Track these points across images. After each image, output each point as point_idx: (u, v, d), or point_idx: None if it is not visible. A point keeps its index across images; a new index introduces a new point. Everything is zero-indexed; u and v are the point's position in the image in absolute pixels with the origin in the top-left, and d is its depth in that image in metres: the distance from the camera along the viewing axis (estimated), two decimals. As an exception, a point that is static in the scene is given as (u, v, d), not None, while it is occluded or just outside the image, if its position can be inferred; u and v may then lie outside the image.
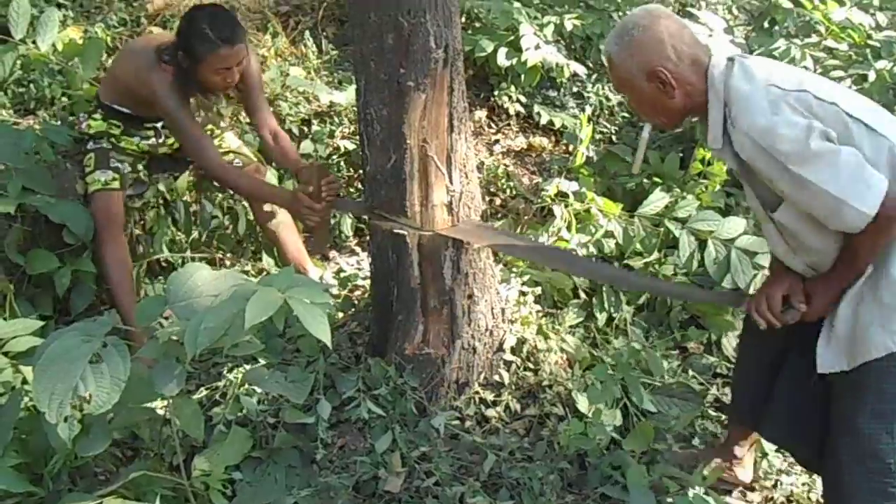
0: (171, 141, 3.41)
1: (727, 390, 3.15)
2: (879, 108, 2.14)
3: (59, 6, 4.41)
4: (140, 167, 3.41)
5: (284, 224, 3.61)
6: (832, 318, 2.17)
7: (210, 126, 3.52)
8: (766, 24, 4.57)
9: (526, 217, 4.04)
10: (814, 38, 4.35)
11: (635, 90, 2.19)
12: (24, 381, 2.38)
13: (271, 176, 3.77)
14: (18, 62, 3.80)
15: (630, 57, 2.14)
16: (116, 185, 3.27)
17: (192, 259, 3.64)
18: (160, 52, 3.11)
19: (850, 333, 2.12)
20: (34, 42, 3.77)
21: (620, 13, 5.35)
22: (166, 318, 2.26)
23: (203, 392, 2.91)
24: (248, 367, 2.88)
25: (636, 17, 2.17)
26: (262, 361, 2.88)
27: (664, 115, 2.22)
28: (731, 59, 2.13)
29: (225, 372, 2.96)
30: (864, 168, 1.94)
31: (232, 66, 3.07)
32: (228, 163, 3.49)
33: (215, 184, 3.57)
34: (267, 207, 3.56)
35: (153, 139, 3.40)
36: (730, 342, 3.41)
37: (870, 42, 4.26)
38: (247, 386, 2.81)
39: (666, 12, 2.18)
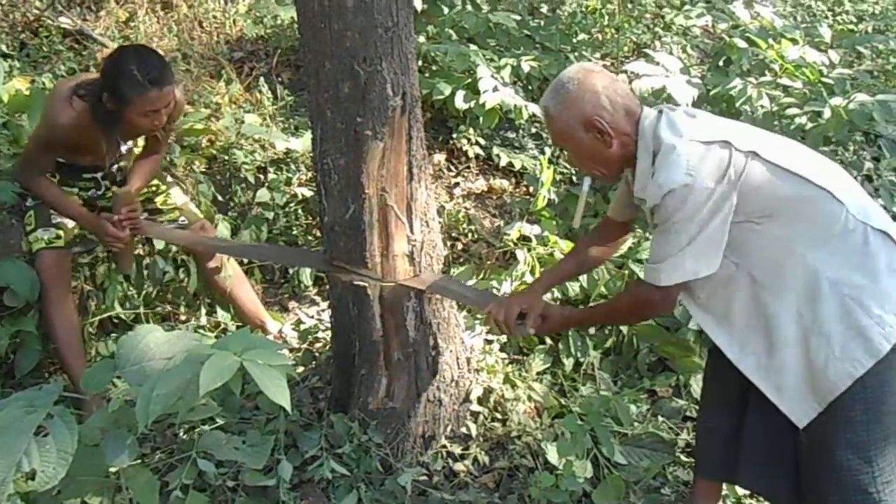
0: (111, 194, 3.29)
1: (698, 434, 3.11)
2: (807, 152, 2.22)
3: (5, 56, 4.30)
4: None
5: (235, 278, 3.51)
6: (770, 374, 2.18)
7: (156, 181, 3.42)
8: (721, 64, 4.61)
9: (489, 262, 3.98)
10: (768, 77, 4.38)
11: (573, 141, 2.26)
12: (-34, 454, 2.24)
13: (223, 230, 3.67)
14: (-38, 115, 3.68)
15: (566, 109, 2.23)
16: (60, 242, 3.14)
17: (146, 315, 3.52)
18: (78, 87, 3.00)
19: (807, 378, 2.13)
20: (-22, 96, 3.66)
21: (576, 54, 5.39)
22: (117, 377, 2.16)
23: (158, 455, 2.79)
24: (205, 427, 2.77)
25: (570, 72, 2.27)
26: (220, 421, 2.77)
27: (603, 166, 2.29)
28: (660, 111, 2.21)
29: (181, 434, 2.84)
30: (706, 251, 2.10)
31: (160, 109, 2.98)
32: (172, 220, 3.40)
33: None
34: (212, 263, 3.46)
35: (92, 190, 3.28)
36: (698, 384, 3.36)
37: (823, 80, 4.31)
38: (204, 448, 2.69)
39: (597, 67, 2.29)
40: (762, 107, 4.21)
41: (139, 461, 2.18)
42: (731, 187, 2.05)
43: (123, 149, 3.24)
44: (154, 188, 3.42)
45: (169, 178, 3.52)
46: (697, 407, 3.26)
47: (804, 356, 2.11)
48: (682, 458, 3.03)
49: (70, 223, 3.19)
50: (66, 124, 2.98)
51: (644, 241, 3.67)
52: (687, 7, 6.38)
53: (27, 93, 3.83)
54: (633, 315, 2.51)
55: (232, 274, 3.49)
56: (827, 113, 4.07)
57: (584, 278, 3.54)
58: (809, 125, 4.18)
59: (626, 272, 3.55)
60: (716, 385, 2.52)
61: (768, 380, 2.18)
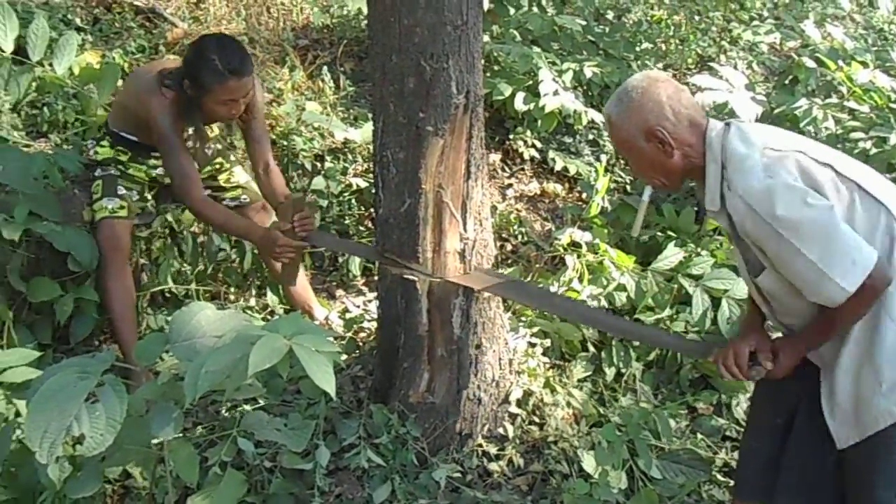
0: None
1: (736, 455, 3.07)
2: (876, 174, 2.14)
3: (79, 30, 4.40)
4: (148, 196, 3.36)
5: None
6: (830, 389, 2.14)
7: (220, 159, 3.48)
8: (787, 82, 4.54)
9: (537, 265, 3.98)
10: (835, 99, 4.31)
11: (634, 150, 2.22)
12: (18, 414, 2.31)
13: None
14: (34, 84, 3.77)
15: (629, 117, 2.19)
16: (123, 213, 3.21)
17: (197, 292, 3.58)
18: (163, 76, 3.06)
19: (854, 405, 2.09)
20: (51, 65, 3.75)
21: (639, 63, 5.36)
22: (166, 352, 2.20)
23: (199, 430, 2.84)
24: (247, 407, 2.82)
25: (635, 80, 2.23)
26: (262, 402, 2.81)
27: (663, 175, 2.24)
28: (727, 124, 2.16)
29: (223, 411, 2.89)
30: (852, 242, 1.95)
31: (238, 98, 3.02)
32: (234, 198, 3.45)
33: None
34: None
35: (161, 168, 3.33)
36: (740, 405, 3.33)
37: (892, 105, 4.23)
38: (245, 427, 2.74)
39: (664, 76, 2.24)
40: (827, 129, 4.14)
41: (182, 435, 2.22)
42: (814, 184, 1.98)
43: (191, 131, 3.29)
44: (218, 165, 3.48)
45: (232, 158, 3.57)
46: (737, 427, 3.24)
47: (855, 385, 2.08)
48: (719, 477, 3.00)
49: (134, 195, 3.26)
50: (165, 114, 3.03)
51: (695, 255, 3.63)
52: (756, 23, 6.32)
53: (97, 67, 3.92)
54: (860, 316, 2.12)
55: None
56: (893, 139, 4.00)
57: (631, 288, 3.53)
58: (874, 150, 4.10)
59: (675, 285, 3.52)
60: (763, 406, 2.48)
61: (827, 396, 2.15)
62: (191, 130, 3.21)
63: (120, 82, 3.84)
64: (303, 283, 3.62)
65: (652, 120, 2.15)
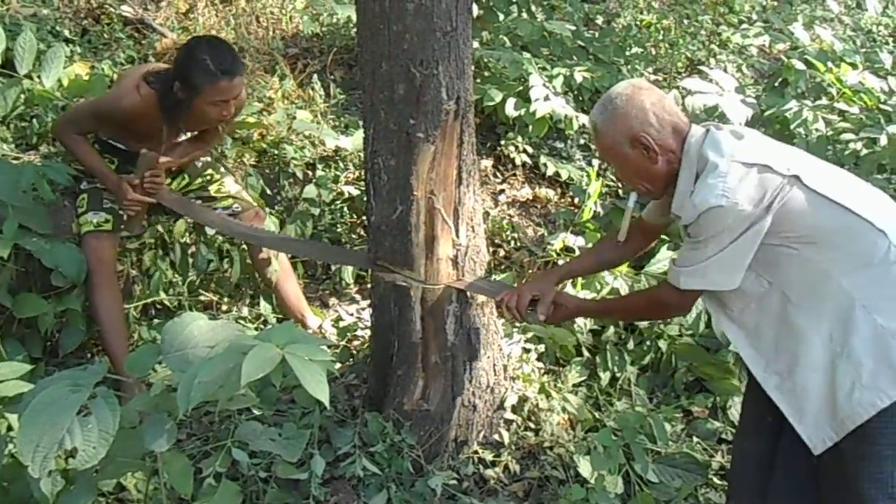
0: (167, 181, 3.33)
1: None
2: (852, 180, 2.21)
3: (67, 42, 4.38)
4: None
5: (282, 271, 3.54)
6: (792, 396, 2.16)
7: (210, 171, 3.47)
8: (777, 84, 4.55)
9: (530, 270, 3.97)
10: (825, 101, 4.32)
11: (619, 156, 2.28)
12: (10, 428, 2.29)
13: (270, 224, 3.70)
14: (22, 97, 3.75)
15: (614, 125, 2.24)
16: (108, 226, 3.19)
17: (189, 302, 3.57)
18: (148, 74, 3.06)
19: (829, 404, 2.10)
20: (39, 77, 3.73)
21: (629, 67, 5.36)
22: (159, 363, 2.19)
23: (193, 441, 2.82)
24: (241, 417, 2.80)
25: (619, 88, 2.29)
26: (256, 412, 2.80)
27: (648, 181, 2.30)
28: (707, 130, 2.22)
29: (217, 422, 2.87)
30: (730, 265, 2.12)
31: (229, 99, 3.02)
32: (227, 207, 3.44)
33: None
34: (263, 254, 3.49)
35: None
36: (735, 407, 3.32)
37: (881, 106, 4.24)
38: (239, 438, 2.72)
39: (647, 84, 2.30)
40: (817, 130, 4.15)
41: (176, 447, 2.21)
42: (765, 211, 2.06)
43: (182, 138, 3.28)
44: (209, 177, 3.46)
45: (222, 169, 3.56)
46: (732, 429, 3.24)
47: (829, 381, 2.09)
48: (715, 480, 2.99)
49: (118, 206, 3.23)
50: (126, 106, 3.05)
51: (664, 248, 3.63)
52: (744, 26, 6.34)
53: (87, 78, 3.91)
54: (648, 312, 2.57)
55: (279, 268, 3.52)
56: (883, 140, 4.00)
57: (625, 292, 3.51)
58: (864, 151, 4.11)
59: (643, 279, 3.52)
60: (752, 407, 2.49)
61: (790, 401, 2.16)
62: (164, 132, 3.20)
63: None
64: (296, 293, 3.61)
65: (636, 127, 2.21)
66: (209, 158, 3.49)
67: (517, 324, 2.78)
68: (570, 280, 3.54)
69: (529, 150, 4.77)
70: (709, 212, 2.07)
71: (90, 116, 3.18)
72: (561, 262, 3.64)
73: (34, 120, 3.76)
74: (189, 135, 3.33)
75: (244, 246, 3.65)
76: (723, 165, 2.09)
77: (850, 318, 2.05)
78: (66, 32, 4.52)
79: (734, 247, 2.09)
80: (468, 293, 2.78)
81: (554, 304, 2.53)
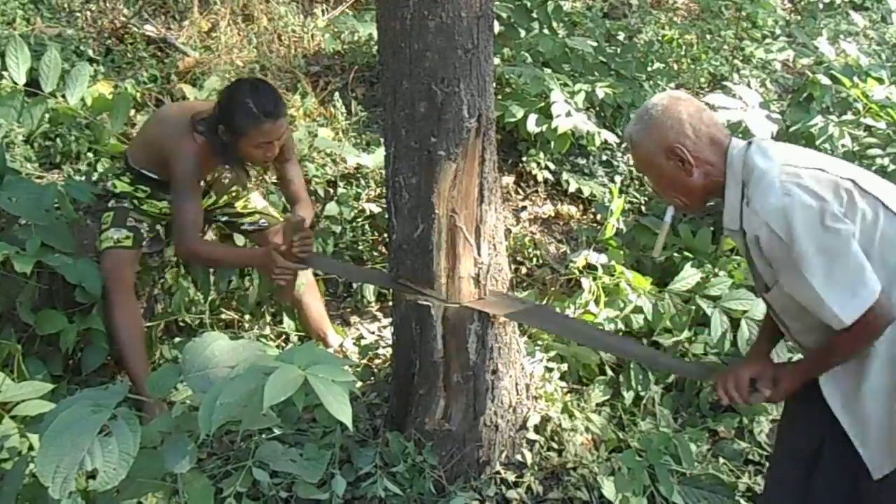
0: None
1: (759, 479, 3.02)
2: None
3: (91, 61, 4.41)
4: (159, 227, 3.34)
5: (308, 287, 3.53)
6: (857, 415, 2.08)
7: (236, 187, 3.47)
8: (802, 100, 4.50)
9: (552, 288, 3.95)
10: (851, 116, 4.27)
11: (655, 168, 2.21)
12: (31, 448, 2.29)
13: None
14: (47, 115, 3.78)
15: (649, 136, 2.18)
16: (128, 243, 3.20)
17: (210, 321, 3.56)
18: (196, 121, 3.05)
19: (888, 429, 2.04)
20: (63, 96, 3.76)
21: (651, 83, 5.33)
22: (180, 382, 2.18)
23: (214, 461, 2.81)
24: (262, 436, 2.79)
25: (656, 98, 2.23)
26: (277, 431, 2.79)
27: (684, 195, 2.22)
28: (749, 142, 2.14)
29: (238, 442, 2.86)
30: (858, 274, 1.93)
31: (273, 140, 3.00)
32: (253, 223, 3.44)
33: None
34: None
35: None
36: (762, 428, 3.27)
37: (909, 122, 4.18)
38: (260, 457, 2.71)
39: (685, 95, 2.23)
40: (843, 146, 4.10)
41: (196, 466, 2.20)
42: (835, 202, 1.95)
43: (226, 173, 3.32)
44: (234, 193, 3.47)
45: (248, 185, 3.57)
46: (760, 450, 3.19)
47: (888, 409, 2.03)
48: (742, 502, 2.94)
49: (144, 227, 3.25)
50: (196, 159, 3.03)
51: (713, 276, 3.59)
52: (768, 40, 6.29)
53: (109, 97, 3.93)
54: (860, 350, 2.11)
55: (305, 282, 3.52)
56: (910, 155, 3.95)
57: (648, 310, 3.48)
58: (892, 167, 4.05)
59: (693, 307, 3.48)
60: (789, 434, 2.44)
61: (854, 422, 2.09)
62: (226, 171, 3.23)
63: (133, 112, 3.85)
64: (319, 310, 3.61)
65: (672, 137, 2.14)
66: (234, 175, 3.49)
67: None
68: (594, 298, 3.53)
69: (551, 166, 4.75)
70: (780, 215, 1.95)
71: (190, 197, 3.06)
72: (583, 280, 3.59)
73: (58, 139, 3.79)
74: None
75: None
76: (775, 170, 2.01)
77: None
78: (90, 52, 4.56)
79: (836, 238, 1.94)
80: (490, 312, 2.74)
81: (773, 379, 2.28)
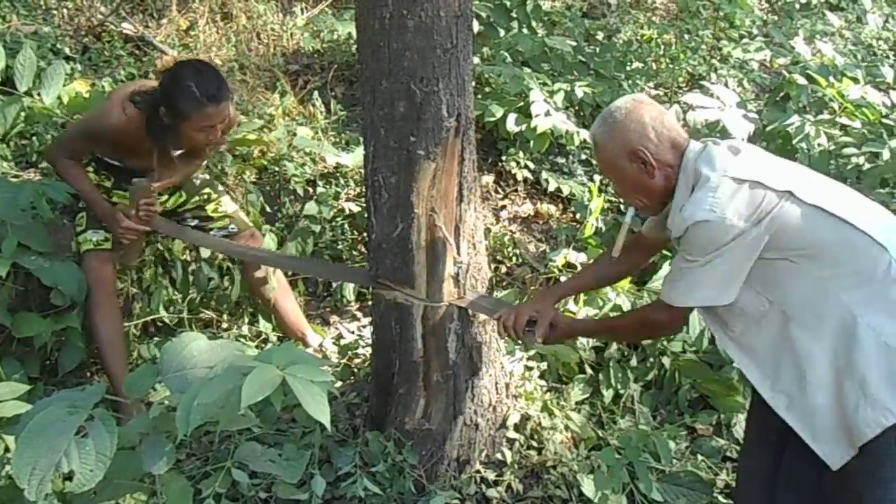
0: (163, 198, 3.32)
1: (737, 475, 3.04)
2: (853, 195, 2.19)
3: (68, 59, 4.37)
4: None
5: (280, 289, 3.52)
6: (803, 415, 2.13)
7: (207, 189, 3.45)
8: (778, 99, 4.54)
9: (532, 287, 3.95)
10: (827, 115, 4.31)
11: (617, 170, 2.28)
12: (7, 449, 2.27)
13: (269, 241, 3.69)
14: (22, 115, 3.74)
15: (613, 138, 2.25)
16: (108, 245, 3.18)
17: (189, 320, 3.55)
18: (135, 94, 3.03)
19: (840, 420, 2.07)
20: (39, 95, 3.73)
21: (630, 82, 5.36)
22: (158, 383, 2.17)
23: (193, 462, 2.80)
24: (241, 437, 2.78)
25: (619, 102, 2.30)
26: (256, 431, 2.78)
27: (645, 196, 2.30)
28: (705, 145, 2.21)
29: (217, 441, 2.85)
30: (713, 280, 2.12)
31: (216, 124, 2.99)
32: (223, 227, 3.44)
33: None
34: (259, 273, 3.47)
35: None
36: (740, 424, 3.30)
37: (884, 120, 4.23)
38: (239, 458, 2.70)
39: (648, 99, 2.31)
40: (819, 145, 4.14)
41: (175, 467, 2.19)
42: (756, 226, 2.05)
43: (174, 154, 3.26)
44: (206, 196, 3.44)
45: (220, 188, 3.54)
46: (737, 447, 3.21)
47: (836, 398, 2.06)
48: (720, 498, 2.96)
49: None
50: (111, 125, 3.02)
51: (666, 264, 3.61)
52: (745, 40, 6.33)
53: (87, 95, 3.90)
54: (639, 331, 2.60)
55: (276, 286, 3.51)
56: (886, 154, 3.99)
57: (627, 308, 3.49)
58: (867, 166, 4.10)
59: (646, 295, 3.50)
60: (756, 425, 2.47)
61: (802, 420, 2.14)
62: (156, 152, 3.16)
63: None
64: (294, 311, 3.60)
65: (635, 141, 2.21)
66: (207, 176, 3.47)
67: (517, 343, 2.76)
68: (574, 296, 3.53)
69: (531, 165, 4.76)
70: (696, 226, 2.08)
71: (79, 138, 3.16)
72: (563, 278, 3.61)
73: (34, 138, 3.76)
74: (180, 152, 3.31)
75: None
76: (714, 180, 2.09)
77: (854, 336, 2.03)
78: (67, 50, 4.52)
79: (723, 260, 2.09)
80: (469, 311, 2.76)
81: (551, 324, 2.53)
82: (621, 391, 3.37)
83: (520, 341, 2.61)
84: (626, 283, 3.55)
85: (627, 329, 2.56)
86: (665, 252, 3.87)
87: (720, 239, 2.06)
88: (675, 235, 2.19)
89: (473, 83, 2.74)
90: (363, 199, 3.75)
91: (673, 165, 2.22)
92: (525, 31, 5.12)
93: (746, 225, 2.04)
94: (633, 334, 2.56)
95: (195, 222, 3.40)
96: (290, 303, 3.59)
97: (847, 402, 2.04)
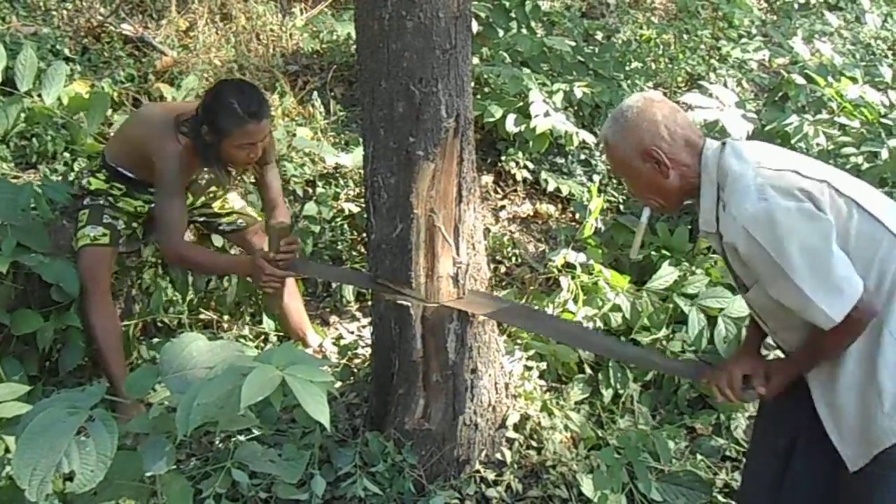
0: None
1: (736, 475, 3.05)
2: (874, 191, 2.13)
3: (68, 60, 4.38)
4: (135, 225, 3.33)
5: (289, 291, 3.52)
6: (834, 409, 2.10)
7: (214, 187, 3.46)
8: (777, 99, 4.55)
9: (531, 287, 3.96)
10: (825, 115, 4.32)
11: (631, 170, 2.21)
12: (7, 450, 2.27)
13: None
14: (22, 115, 3.75)
15: (625, 138, 2.17)
16: (105, 240, 3.17)
17: (189, 321, 3.55)
18: (179, 122, 3.03)
19: (861, 424, 2.06)
20: (39, 95, 3.73)
21: (629, 82, 5.36)
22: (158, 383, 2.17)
23: (193, 462, 2.80)
24: (241, 437, 2.78)
25: (631, 100, 2.22)
26: (256, 432, 2.78)
27: (660, 196, 2.22)
28: (723, 143, 2.14)
29: (217, 442, 2.85)
30: (842, 270, 1.95)
31: (256, 142, 3.00)
32: (230, 223, 3.44)
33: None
34: None
35: (153, 204, 3.27)
36: (739, 425, 3.30)
37: (882, 120, 4.23)
38: (239, 458, 2.70)
39: (660, 97, 2.23)
40: (818, 145, 4.15)
41: (175, 467, 2.19)
42: (810, 203, 1.96)
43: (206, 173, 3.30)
44: (212, 193, 3.46)
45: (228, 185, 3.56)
46: (737, 447, 3.22)
47: (862, 401, 2.05)
48: (720, 498, 2.96)
49: (120, 224, 3.23)
50: (180, 160, 3.02)
51: (690, 274, 3.61)
52: (744, 40, 6.34)
53: (86, 96, 3.91)
54: (847, 345, 2.11)
55: (294, 286, 3.52)
56: (884, 154, 4.00)
57: (626, 308, 3.50)
58: (866, 165, 4.10)
59: (671, 305, 3.50)
60: (765, 427, 2.46)
61: (830, 416, 2.11)
62: (205, 172, 3.20)
63: (110, 111, 3.82)
64: (298, 310, 3.60)
65: (647, 140, 2.13)
66: (212, 175, 3.48)
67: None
68: (573, 297, 3.54)
69: (530, 165, 4.77)
70: (756, 220, 1.96)
71: (176, 198, 3.07)
72: (562, 278, 3.61)
73: (34, 139, 3.76)
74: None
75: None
76: (749, 172, 2.02)
77: (878, 342, 2.01)
78: (67, 51, 4.53)
79: (822, 234, 1.94)
80: (469, 311, 2.75)
81: (766, 375, 2.27)
82: (620, 391, 3.37)
83: (741, 401, 2.48)
84: (624, 283, 3.56)
85: (834, 347, 2.11)
86: (665, 252, 3.90)
87: (789, 220, 1.93)
88: (730, 240, 2.04)
89: (473, 83, 2.74)
90: (362, 200, 3.76)
91: (689, 164, 2.14)
92: (524, 31, 5.13)
93: (800, 203, 1.95)
94: (841, 346, 2.26)
95: (203, 219, 3.43)
96: (295, 302, 3.60)
97: (868, 408, 2.03)
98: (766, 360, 2.36)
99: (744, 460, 2.81)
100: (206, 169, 3.19)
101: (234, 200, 3.55)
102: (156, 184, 3.07)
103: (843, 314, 1.95)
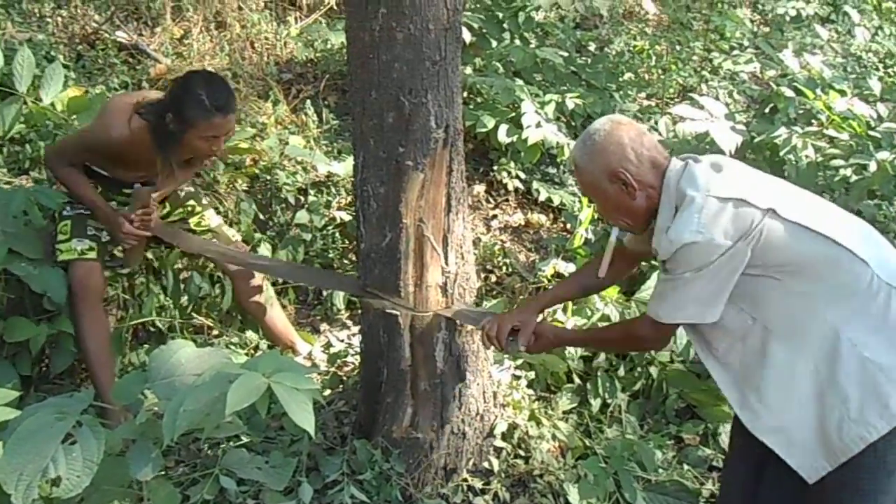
0: (164, 209, 3.34)
1: (723, 485, 3.06)
2: (835, 210, 2.20)
3: (62, 67, 4.38)
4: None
5: (270, 302, 3.53)
6: (779, 434, 2.14)
7: (192, 202, 3.47)
8: (767, 111, 4.58)
9: (521, 296, 3.98)
10: (814, 127, 4.35)
11: (599, 192, 2.27)
12: (-5, 455, 2.28)
13: (263, 249, 3.71)
14: (21, 116, 3.74)
15: (592, 160, 2.24)
16: (93, 255, 3.17)
17: (180, 326, 3.56)
18: (139, 105, 3.05)
19: (819, 435, 2.08)
20: (37, 99, 3.73)
21: (621, 93, 5.39)
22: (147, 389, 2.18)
23: (181, 469, 2.81)
24: (229, 444, 2.79)
25: (598, 123, 2.29)
26: (245, 439, 2.79)
27: (628, 217, 2.29)
28: (686, 164, 2.21)
29: (205, 449, 2.86)
30: (706, 297, 2.12)
31: (221, 135, 3.02)
32: (205, 239, 3.44)
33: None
34: (252, 283, 3.48)
35: (130, 206, 3.25)
36: (727, 434, 3.31)
37: (871, 133, 4.26)
38: (227, 465, 2.71)
39: (626, 120, 2.30)
40: (807, 157, 4.17)
41: (162, 474, 2.20)
42: (743, 244, 2.05)
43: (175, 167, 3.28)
44: (189, 209, 3.46)
45: (205, 200, 3.56)
46: (724, 457, 3.22)
47: (818, 415, 2.07)
48: (707, 508, 2.99)
49: (104, 235, 3.22)
50: (115, 138, 3.02)
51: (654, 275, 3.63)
52: (735, 52, 6.38)
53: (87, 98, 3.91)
54: (625, 345, 2.64)
55: (273, 296, 3.52)
56: (873, 166, 4.02)
57: (616, 318, 3.51)
58: (854, 178, 4.13)
59: (634, 305, 3.52)
60: (739, 437, 2.48)
61: (779, 440, 2.14)
62: (159, 161, 3.16)
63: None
64: (283, 321, 3.60)
65: (615, 162, 2.20)
66: (192, 189, 3.49)
67: (504, 353, 2.77)
68: (563, 305, 3.56)
69: (522, 175, 4.79)
70: (684, 248, 2.07)
71: (79, 149, 3.16)
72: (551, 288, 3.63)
73: (27, 145, 3.77)
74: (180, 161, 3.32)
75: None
76: (699, 200, 2.08)
77: (836, 351, 2.04)
78: (61, 57, 4.55)
79: (710, 278, 2.08)
80: (457, 320, 2.78)
81: (535, 334, 2.55)
82: (609, 400, 3.39)
83: (502, 351, 2.61)
84: (614, 293, 3.58)
85: (614, 342, 2.58)
86: (654, 263, 3.91)
87: (707, 258, 2.06)
88: (662, 257, 2.17)
89: (465, 94, 2.76)
90: (354, 208, 3.78)
91: (655, 186, 2.21)
92: (517, 42, 5.16)
93: (733, 243, 2.04)
94: (619, 347, 2.56)
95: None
96: (276, 311, 3.59)
97: (829, 417, 2.06)
98: (541, 321, 2.62)
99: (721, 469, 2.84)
100: (158, 157, 3.13)
101: (212, 218, 3.52)
102: (80, 131, 3.14)
103: (666, 321, 2.21)
